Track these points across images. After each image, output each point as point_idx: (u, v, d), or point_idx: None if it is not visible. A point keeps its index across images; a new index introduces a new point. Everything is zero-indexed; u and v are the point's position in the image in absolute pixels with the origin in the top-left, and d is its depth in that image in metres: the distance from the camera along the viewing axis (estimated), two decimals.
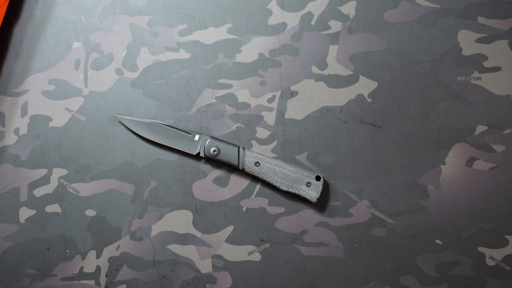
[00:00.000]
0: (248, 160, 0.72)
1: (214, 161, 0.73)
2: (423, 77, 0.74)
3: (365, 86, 0.74)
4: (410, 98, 0.74)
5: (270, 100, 0.75)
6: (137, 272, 0.74)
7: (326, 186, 0.73)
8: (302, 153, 0.74)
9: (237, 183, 0.74)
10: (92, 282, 0.74)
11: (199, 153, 0.73)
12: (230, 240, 0.74)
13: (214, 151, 0.72)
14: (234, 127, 0.75)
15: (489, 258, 0.72)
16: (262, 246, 0.74)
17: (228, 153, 0.72)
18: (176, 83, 0.75)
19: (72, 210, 0.75)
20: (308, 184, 0.72)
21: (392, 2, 0.75)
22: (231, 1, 0.76)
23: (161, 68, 0.75)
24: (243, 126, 0.75)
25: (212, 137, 0.73)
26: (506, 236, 0.72)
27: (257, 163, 0.72)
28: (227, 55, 0.75)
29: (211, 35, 0.76)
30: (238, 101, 0.75)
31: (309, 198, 0.72)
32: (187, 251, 0.74)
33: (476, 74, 0.74)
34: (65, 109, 0.76)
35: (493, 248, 0.72)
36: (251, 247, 0.74)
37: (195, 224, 0.74)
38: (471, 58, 0.74)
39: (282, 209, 0.74)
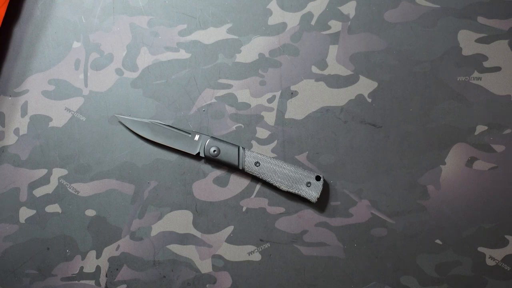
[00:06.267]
0: (248, 160, 0.72)
1: (214, 161, 0.73)
2: (423, 77, 0.74)
3: (365, 86, 0.74)
4: (410, 98, 0.74)
5: (270, 100, 0.75)
6: (137, 272, 0.74)
7: (326, 186, 0.73)
8: (302, 153, 0.74)
9: (237, 183, 0.74)
10: (92, 282, 0.74)
11: (199, 153, 0.73)
12: (230, 240, 0.74)
13: (214, 151, 0.72)
14: (234, 127, 0.75)
15: (489, 258, 0.72)
16: (262, 246, 0.74)
17: (228, 153, 0.72)
18: (176, 83, 0.75)
19: (72, 210, 0.75)
20: (308, 184, 0.72)
21: (392, 2, 0.75)
22: (231, 1, 0.76)
23: (161, 68, 0.76)
24: (243, 126, 0.75)
25: (212, 137, 0.73)
26: (506, 236, 0.72)
27: (257, 163, 0.72)
28: (227, 55, 0.75)
29: (211, 35, 0.76)
30: (238, 101, 0.75)
31: (309, 198, 0.72)
32: (187, 251, 0.74)
33: (476, 74, 0.74)
34: (65, 109, 0.76)
35: (493, 248, 0.72)
36: (251, 247, 0.74)
37: (195, 224, 0.74)
38: (471, 58, 0.74)
39: (282, 209, 0.74)
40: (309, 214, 0.74)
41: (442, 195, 0.73)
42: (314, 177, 0.72)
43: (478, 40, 0.74)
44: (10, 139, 0.76)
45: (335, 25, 0.75)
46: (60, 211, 0.75)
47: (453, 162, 0.73)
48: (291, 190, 0.72)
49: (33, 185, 0.75)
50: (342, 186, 0.74)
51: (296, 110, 0.75)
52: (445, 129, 0.73)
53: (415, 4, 0.74)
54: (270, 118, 0.75)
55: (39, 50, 0.76)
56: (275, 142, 0.74)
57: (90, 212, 0.75)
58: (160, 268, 0.74)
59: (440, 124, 0.73)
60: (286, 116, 0.75)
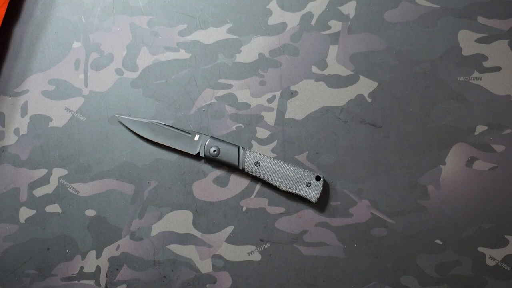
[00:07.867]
0: (248, 160, 0.72)
1: (214, 161, 0.73)
2: (423, 77, 0.74)
3: (365, 86, 0.74)
4: (410, 98, 0.74)
5: (270, 100, 0.75)
6: (137, 272, 0.74)
7: (326, 186, 0.73)
8: (302, 153, 0.74)
9: (237, 183, 0.74)
10: (92, 282, 0.74)
11: (199, 153, 0.73)
12: (230, 240, 0.74)
13: (214, 151, 0.72)
14: (234, 127, 0.75)
15: (489, 258, 0.72)
16: (262, 246, 0.74)
17: (228, 153, 0.72)
18: (176, 83, 0.75)
19: (72, 210, 0.75)
20: (308, 184, 0.72)
21: (392, 2, 0.75)
22: (231, 1, 0.76)
23: (161, 68, 0.76)
24: (243, 126, 0.75)
25: (212, 137, 0.73)
26: (506, 236, 0.72)
27: (257, 163, 0.72)
28: (227, 55, 0.75)
29: (211, 35, 0.76)
30: (238, 101, 0.75)
31: (309, 198, 0.72)
32: (187, 251, 0.74)
33: (476, 74, 0.74)
34: (65, 109, 0.76)
35: (493, 248, 0.72)
36: (251, 247, 0.74)
37: (195, 224, 0.74)
38: (471, 58, 0.74)
39: (282, 209, 0.74)
40: (309, 214, 0.74)
41: (442, 195, 0.73)
42: (314, 177, 0.72)
43: (478, 40, 0.74)
44: (10, 139, 0.76)
45: (335, 25, 0.75)
46: (60, 211, 0.75)
47: (453, 162, 0.73)
48: (291, 190, 0.72)
49: (33, 185, 0.75)
50: (342, 186, 0.74)
51: (296, 110, 0.75)
52: (445, 129, 0.73)
53: (415, 4, 0.74)
54: (270, 118, 0.75)
55: (39, 50, 0.76)
56: (275, 142, 0.74)
57: (90, 212, 0.75)
58: (160, 268, 0.74)
59: (440, 124, 0.73)
60: (286, 116, 0.75)
